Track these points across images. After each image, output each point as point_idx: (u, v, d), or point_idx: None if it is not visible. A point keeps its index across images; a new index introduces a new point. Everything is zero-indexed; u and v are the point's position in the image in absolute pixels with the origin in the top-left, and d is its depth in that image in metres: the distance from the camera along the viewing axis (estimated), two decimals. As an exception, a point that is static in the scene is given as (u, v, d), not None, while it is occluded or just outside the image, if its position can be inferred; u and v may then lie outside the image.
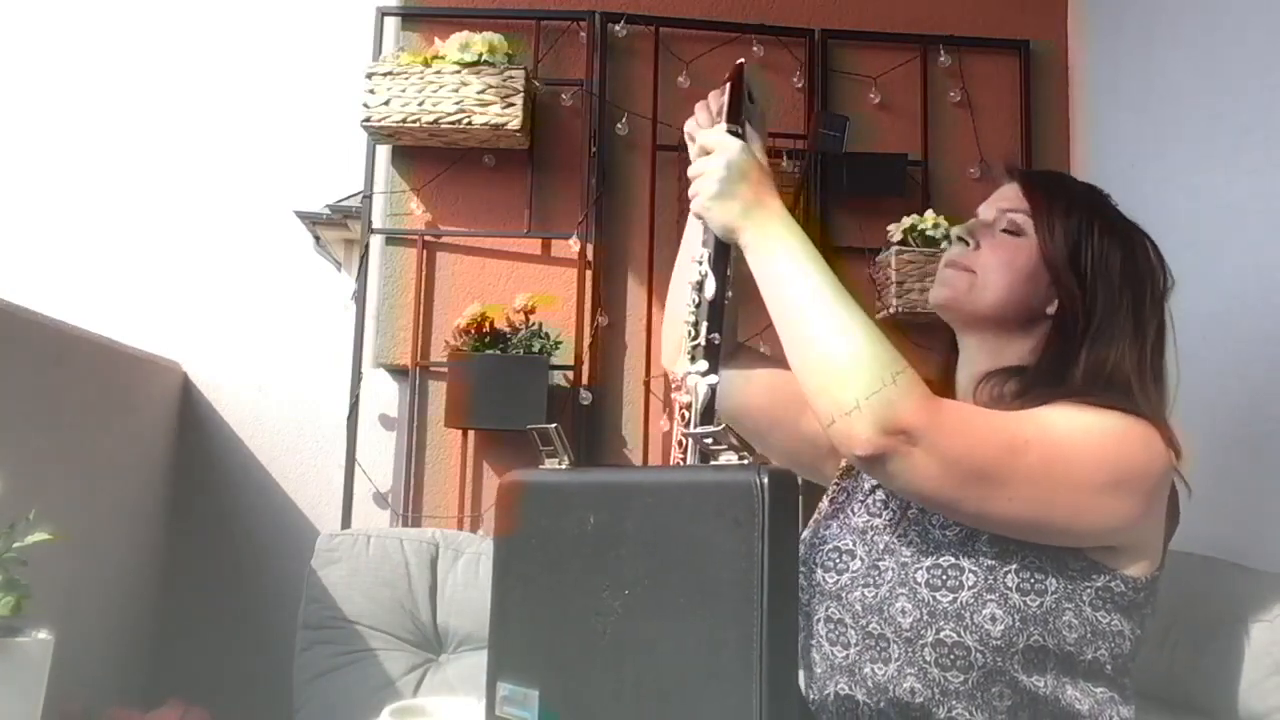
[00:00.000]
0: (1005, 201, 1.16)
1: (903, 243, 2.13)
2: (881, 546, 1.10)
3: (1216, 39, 1.83)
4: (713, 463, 0.82)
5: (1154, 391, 1.11)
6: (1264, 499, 1.58)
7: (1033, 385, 1.09)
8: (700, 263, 1.06)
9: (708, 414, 1.01)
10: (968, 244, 1.15)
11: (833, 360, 0.94)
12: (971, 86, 2.34)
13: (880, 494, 1.16)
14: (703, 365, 1.01)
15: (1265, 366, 1.63)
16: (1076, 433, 0.99)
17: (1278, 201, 1.63)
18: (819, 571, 1.12)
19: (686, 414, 1.03)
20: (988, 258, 1.13)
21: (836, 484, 1.23)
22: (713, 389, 1.00)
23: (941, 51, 2.33)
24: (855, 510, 1.17)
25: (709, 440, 0.85)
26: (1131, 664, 1.06)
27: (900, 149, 2.29)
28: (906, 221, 2.14)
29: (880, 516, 1.14)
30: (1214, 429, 1.69)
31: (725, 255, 1.06)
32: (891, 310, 2.12)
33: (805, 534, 1.22)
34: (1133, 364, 1.10)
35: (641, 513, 0.85)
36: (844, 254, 2.27)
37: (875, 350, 0.94)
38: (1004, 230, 1.14)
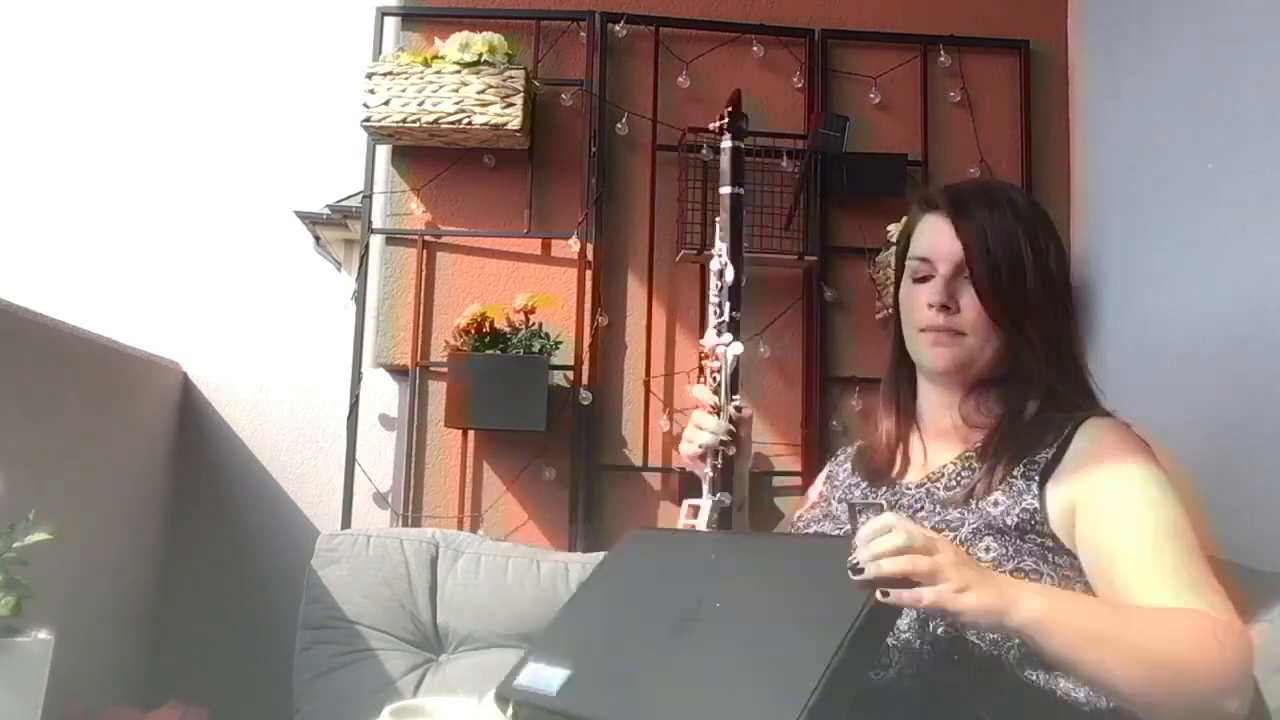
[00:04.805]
0: (952, 249, 1.19)
1: (903, 243, 2.14)
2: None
3: (1216, 39, 1.83)
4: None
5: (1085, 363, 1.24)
6: (1264, 499, 1.58)
7: (1022, 399, 1.19)
8: (719, 255, 1.25)
9: (734, 379, 1.24)
10: (949, 309, 1.19)
11: (1182, 690, 0.94)
12: (971, 86, 2.34)
13: (861, 519, 1.20)
14: (728, 337, 1.24)
15: (1265, 366, 1.63)
16: (1164, 500, 1.08)
17: (1278, 201, 1.63)
18: None
19: (717, 377, 1.24)
20: (972, 317, 1.18)
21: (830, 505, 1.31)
22: (736, 357, 1.23)
23: (941, 51, 2.33)
24: (826, 530, 1.24)
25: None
26: None
27: (900, 149, 2.29)
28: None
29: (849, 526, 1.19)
30: (1214, 429, 1.69)
31: (740, 250, 1.26)
32: (891, 310, 2.12)
33: None
34: (1074, 341, 1.23)
35: (762, 556, 0.98)
36: (844, 254, 2.27)
37: (1199, 655, 0.95)
38: (967, 282, 1.19)
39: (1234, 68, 1.77)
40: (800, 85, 2.32)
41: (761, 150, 2.20)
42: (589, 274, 2.21)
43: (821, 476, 1.42)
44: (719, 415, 1.23)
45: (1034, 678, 1.03)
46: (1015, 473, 1.12)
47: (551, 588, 1.81)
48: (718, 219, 1.29)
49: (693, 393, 1.28)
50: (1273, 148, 1.64)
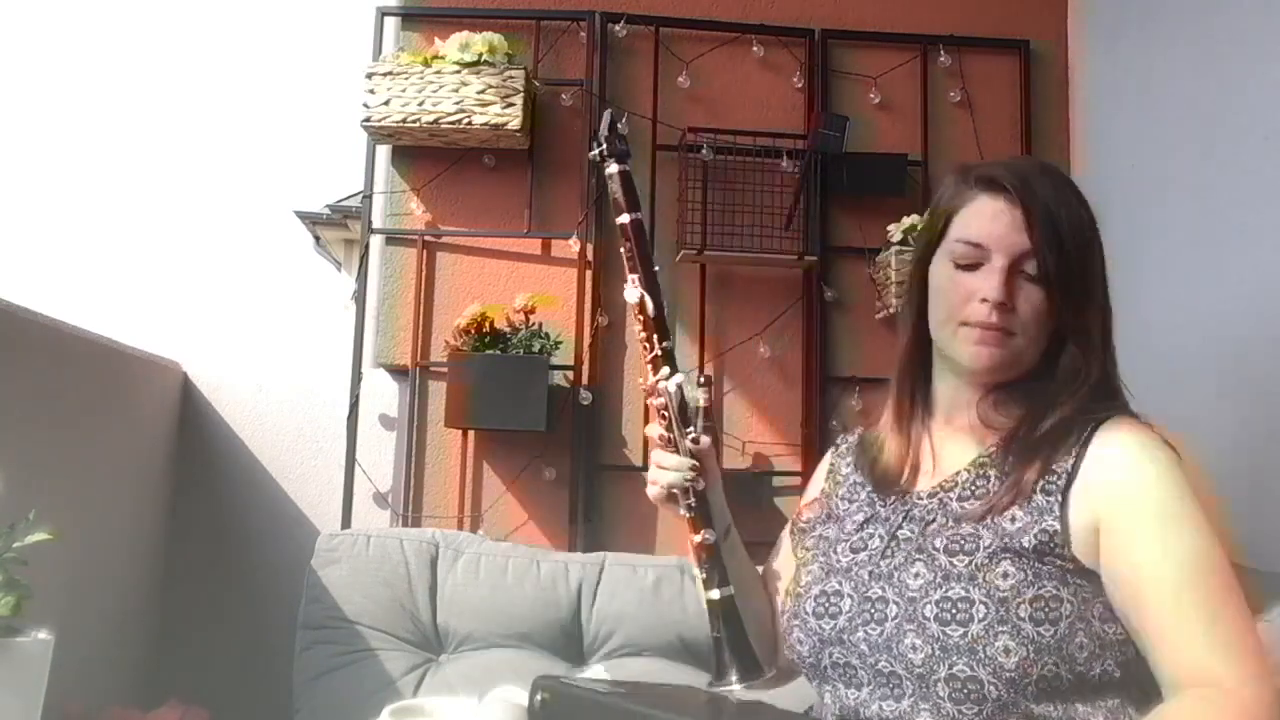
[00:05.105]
0: (1013, 239, 1.09)
1: (903, 243, 2.13)
2: (867, 576, 1.11)
3: (1216, 39, 1.83)
4: None
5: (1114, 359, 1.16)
6: (1264, 499, 1.58)
7: (1049, 399, 1.10)
8: (633, 286, 1.19)
9: (683, 410, 1.19)
10: (1006, 306, 1.09)
11: None
12: (971, 86, 2.34)
13: (868, 529, 1.16)
14: (665, 370, 1.18)
15: (1265, 366, 1.63)
16: (1191, 528, 1.02)
17: (1277, 201, 1.63)
18: (811, 619, 1.13)
19: (665, 414, 1.18)
20: (1026, 316, 1.09)
21: (814, 539, 1.23)
22: (680, 387, 1.18)
23: (941, 51, 2.33)
24: (839, 552, 1.17)
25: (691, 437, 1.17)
26: (1139, 666, 1.05)
27: (900, 149, 2.29)
28: (906, 221, 2.14)
29: (863, 551, 1.14)
30: (1214, 428, 1.69)
31: (654, 276, 1.20)
32: (891, 310, 2.12)
33: (789, 585, 1.22)
34: (1106, 338, 1.15)
35: None
36: (844, 254, 2.27)
37: None
38: (1027, 277, 1.10)
39: (1234, 68, 1.77)
40: (800, 85, 2.32)
41: (761, 150, 2.20)
42: (589, 274, 2.21)
43: (823, 470, 1.35)
44: (677, 451, 1.18)
45: (1049, 711, 1.00)
46: (1036, 487, 1.06)
47: (551, 588, 1.81)
48: (622, 249, 1.22)
49: (647, 433, 1.23)
50: (1273, 148, 1.64)
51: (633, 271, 1.20)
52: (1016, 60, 2.36)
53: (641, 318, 1.19)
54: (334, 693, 1.72)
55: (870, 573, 1.10)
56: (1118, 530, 1.03)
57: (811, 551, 1.21)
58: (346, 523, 2.13)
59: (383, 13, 2.27)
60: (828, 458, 1.36)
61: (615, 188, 1.22)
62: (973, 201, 1.13)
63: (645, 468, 2.15)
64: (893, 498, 1.17)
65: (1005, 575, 1.01)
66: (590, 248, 2.22)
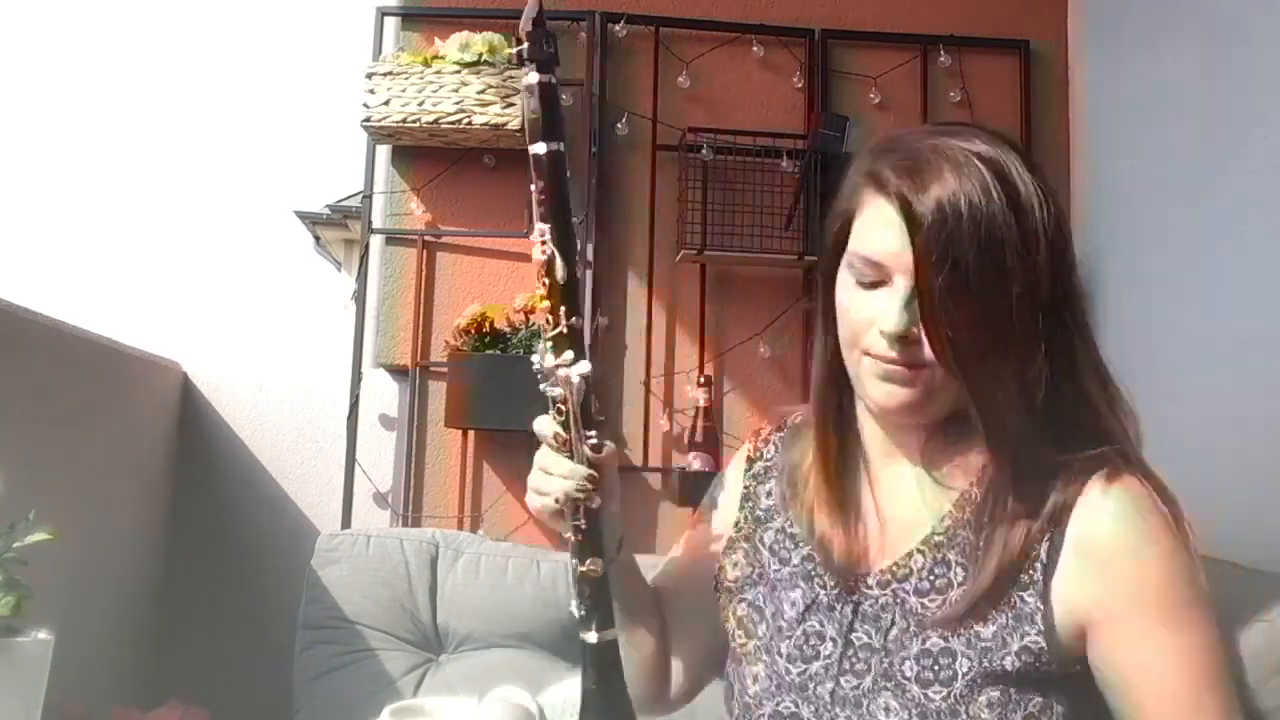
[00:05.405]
0: (904, 253, 0.87)
1: (903, 243, 2.13)
2: (829, 698, 0.92)
3: (1216, 39, 1.83)
4: None
5: (1113, 389, 0.93)
6: (1263, 499, 1.58)
7: (1013, 449, 0.90)
8: (544, 241, 0.90)
9: (586, 407, 0.93)
10: (907, 339, 0.88)
11: None
12: (971, 86, 2.34)
13: (811, 623, 0.96)
14: (569, 355, 0.90)
15: (1265, 365, 1.63)
16: (1206, 617, 0.88)
17: (1278, 202, 1.63)
18: None
19: (563, 408, 0.92)
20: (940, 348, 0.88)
21: (745, 607, 1.02)
22: (586, 379, 0.91)
23: (941, 51, 2.33)
24: (784, 655, 0.96)
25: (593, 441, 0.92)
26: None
27: (900, 149, 2.29)
28: (906, 221, 2.14)
29: (816, 662, 0.95)
30: (1214, 428, 1.69)
31: (569, 230, 0.91)
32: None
33: (734, 688, 1.01)
34: (1084, 362, 0.92)
35: None
36: (844, 254, 2.27)
37: None
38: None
39: (1234, 67, 1.77)
40: (800, 85, 2.32)
41: (761, 150, 2.20)
42: (589, 274, 2.21)
43: (732, 494, 1.09)
44: (572, 456, 0.92)
45: None
46: (1011, 587, 0.88)
47: (551, 588, 1.81)
48: (533, 187, 0.90)
49: (535, 429, 0.94)
50: (1273, 148, 1.64)
51: (544, 221, 0.89)
52: (1016, 60, 2.36)
53: (548, 282, 0.90)
54: (334, 693, 1.72)
55: (832, 694, 0.92)
56: (1114, 628, 0.87)
57: (751, 639, 1.00)
58: (346, 523, 2.13)
59: (383, 13, 2.28)
60: (736, 478, 1.10)
61: (533, 104, 0.88)
62: (868, 205, 0.91)
63: (645, 468, 2.18)
64: (834, 579, 0.97)
65: (990, 705, 0.86)
66: (590, 248, 2.22)
